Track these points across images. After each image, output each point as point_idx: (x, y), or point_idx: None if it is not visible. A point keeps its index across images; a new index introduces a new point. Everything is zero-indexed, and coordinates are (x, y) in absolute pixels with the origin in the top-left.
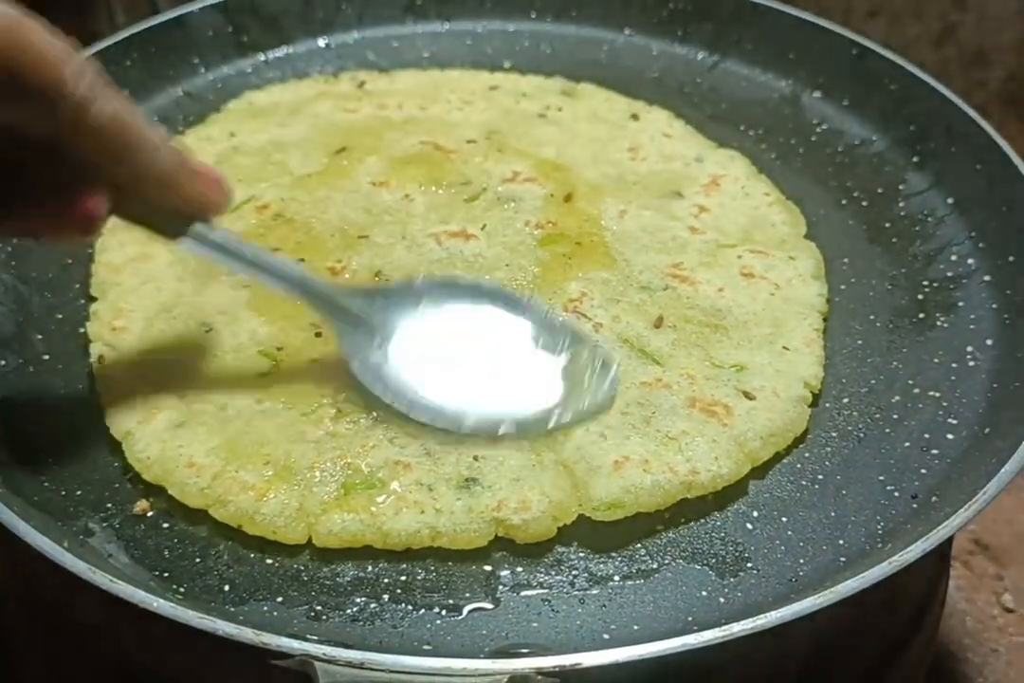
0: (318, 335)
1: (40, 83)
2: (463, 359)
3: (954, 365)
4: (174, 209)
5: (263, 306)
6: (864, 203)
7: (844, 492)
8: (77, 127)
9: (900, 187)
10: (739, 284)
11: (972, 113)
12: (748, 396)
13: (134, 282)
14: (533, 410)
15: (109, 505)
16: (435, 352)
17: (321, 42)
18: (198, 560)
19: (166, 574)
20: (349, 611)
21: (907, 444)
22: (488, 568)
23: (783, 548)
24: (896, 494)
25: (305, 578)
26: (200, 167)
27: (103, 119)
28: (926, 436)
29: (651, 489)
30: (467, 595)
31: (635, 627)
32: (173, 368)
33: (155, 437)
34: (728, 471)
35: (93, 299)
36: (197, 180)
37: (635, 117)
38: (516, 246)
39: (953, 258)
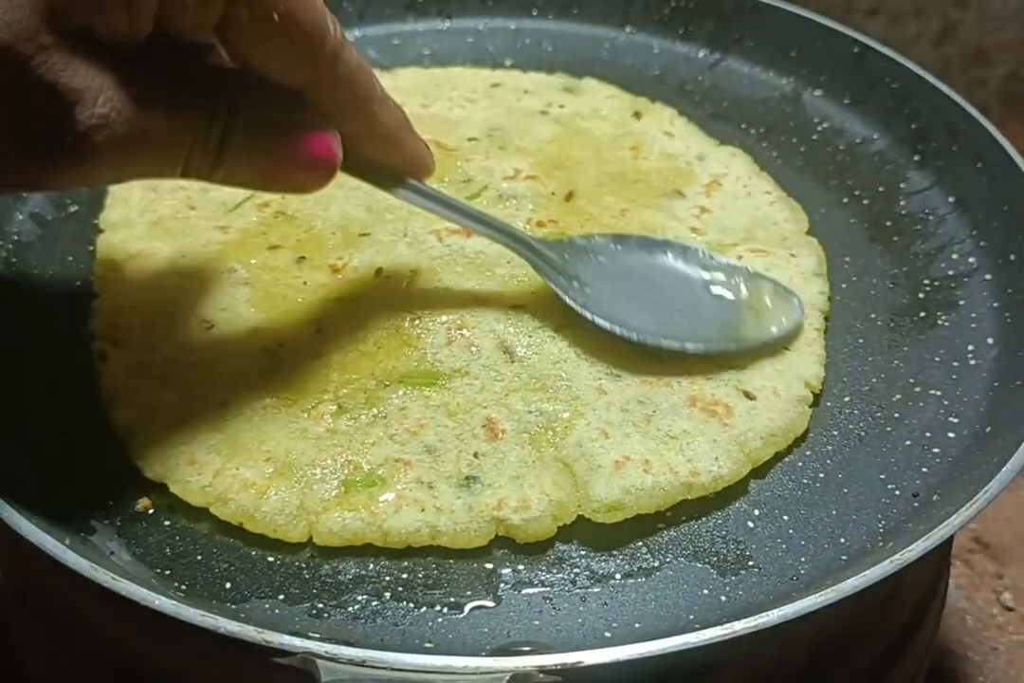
0: (319, 332)
1: (309, 24)
2: (651, 298)
3: (955, 364)
4: (392, 165)
5: (264, 303)
6: (865, 201)
7: (845, 491)
8: (331, 73)
9: (901, 185)
10: None
11: (974, 112)
12: (749, 396)
13: (136, 279)
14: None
15: (110, 502)
16: (626, 293)
17: None
18: (199, 558)
19: (167, 572)
20: (350, 609)
21: (908, 443)
22: (489, 566)
23: (784, 547)
24: (897, 493)
25: (306, 576)
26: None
27: (352, 67)
28: (927, 435)
29: (651, 490)
30: (468, 593)
31: (637, 625)
32: (174, 365)
33: (156, 434)
34: (729, 472)
35: (95, 296)
36: (415, 139)
37: (637, 115)
38: None
39: (954, 256)
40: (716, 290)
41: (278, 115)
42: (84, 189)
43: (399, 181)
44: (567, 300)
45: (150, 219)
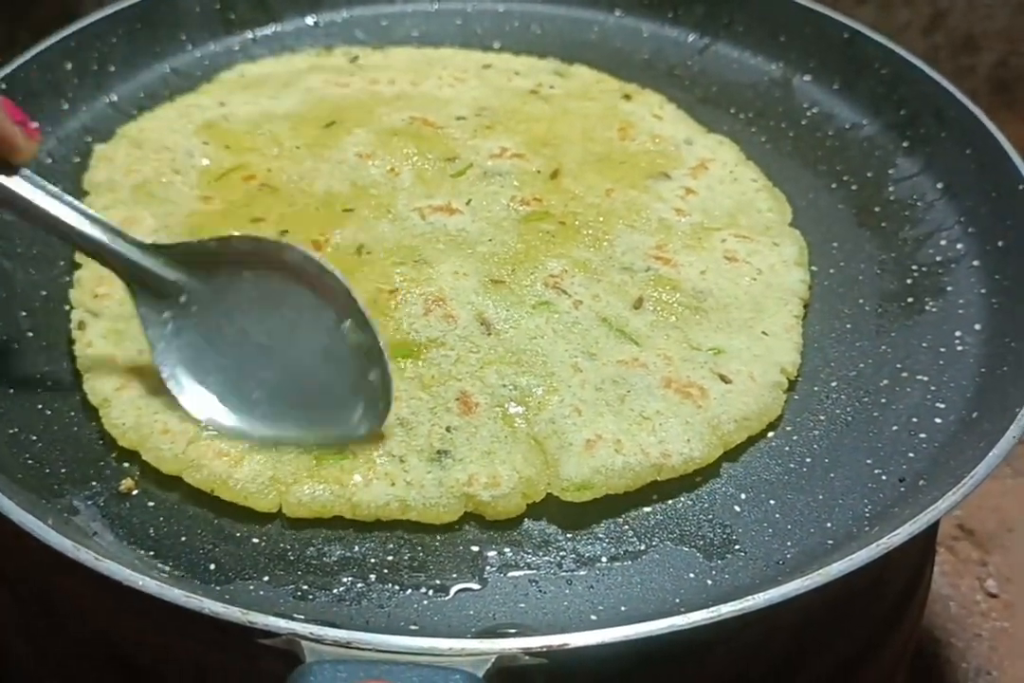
0: None
1: None
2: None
3: (942, 349)
4: None
5: None
6: (854, 187)
7: (832, 475)
8: None
9: (890, 171)
10: (722, 267)
11: (963, 98)
12: (724, 379)
13: None
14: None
15: (94, 483)
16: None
17: (310, 20)
18: (183, 539)
19: (151, 553)
20: (336, 591)
21: (895, 428)
22: (475, 548)
23: (771, 531)
24: (884, 477)
25: (291, 557)
26: (10, 104)
27: None
28: (914, 420)
29: (621, 470)
30: (454, 575)
31: (622, 608)
32: None
33: (131, 404)
34: (700, 454)
35: (77, 266)
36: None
37: (627, 97)
38: (500, 222)
39: (942, 243)
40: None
41: None
42: (68, 170)
43: None
44: (149, 333)
45: (134, 181)
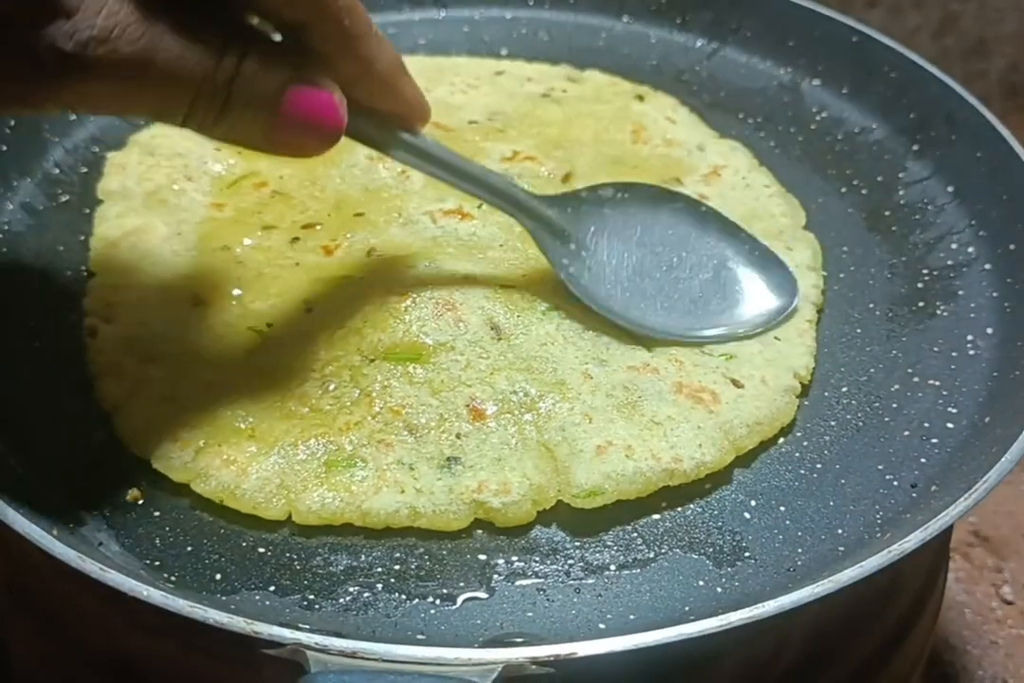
0: (309, 312)
1: None
2: (657, 268)
3: (954, 354)
4: (389, 111)
5: (256, 284)
6: (864, 191)
7: (843, 481)
8: (326, 8)
9: (900, 175)
10: None
11: (973, 101)
12: (736, 384)
13: (130, 257)
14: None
15: (101, 492)
16: (627, 256)
17: None
18: (189, 548)
19: (157, 562)
20: (342, 600)
21: (906, 433)
22: (483, 557)
23: (781, 537)
24: (895, 483)
25: (298, 567)
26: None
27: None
28: (925, 425)
29: (632, 476)
30: (461, 584)
31: (631, 617)
32: (163, 342)
33: (141, 411)
34: (712, 459)
35: (91, 275)
36: (410, 80)
37: (640, 98)
38: (512, 226)
39: (953, 246)
40: (729, 263)
41: (286, 70)
42: (76, 180)
43: (398, 140)
44: (562, 276)
45: (147, 188)
